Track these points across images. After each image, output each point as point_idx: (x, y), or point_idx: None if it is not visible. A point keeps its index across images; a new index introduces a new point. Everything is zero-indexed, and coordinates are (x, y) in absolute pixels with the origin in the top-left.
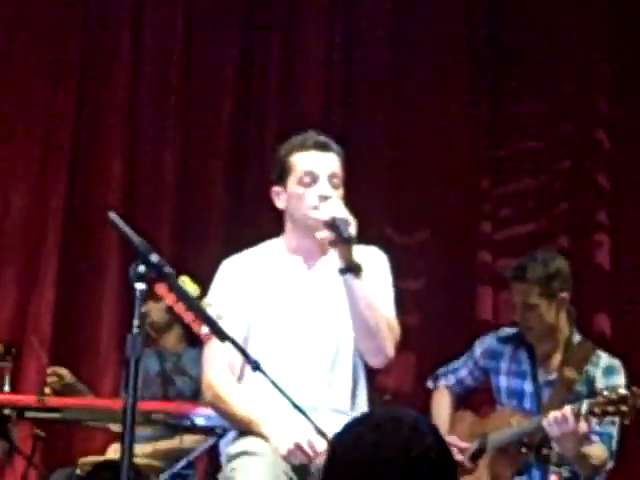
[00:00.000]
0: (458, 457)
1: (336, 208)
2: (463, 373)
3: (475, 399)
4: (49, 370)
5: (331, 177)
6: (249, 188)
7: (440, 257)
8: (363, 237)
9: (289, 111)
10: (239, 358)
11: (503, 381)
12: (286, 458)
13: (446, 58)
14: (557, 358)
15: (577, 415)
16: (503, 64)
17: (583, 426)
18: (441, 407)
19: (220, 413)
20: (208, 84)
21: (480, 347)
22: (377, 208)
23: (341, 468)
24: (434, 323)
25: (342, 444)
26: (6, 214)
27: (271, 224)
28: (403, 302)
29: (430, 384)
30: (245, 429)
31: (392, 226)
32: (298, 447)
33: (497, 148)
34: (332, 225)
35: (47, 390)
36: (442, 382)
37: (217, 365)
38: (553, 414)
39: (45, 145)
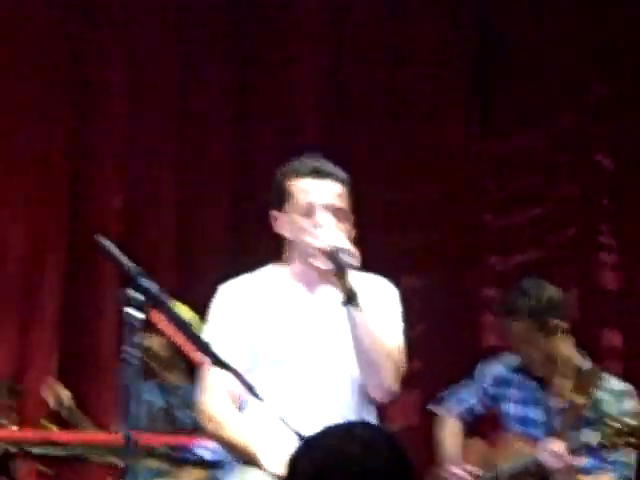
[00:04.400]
0: None
1: (334, 237)
2: (473, 402)
3: (483, 426)
4: (49, 387)
5: (330, 205)
6: (248, 209)
7: (439, 295)
8: None
9: (285, 127)
10: (238, 386)
11: (512, 408)
12: None
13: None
14: (567, 385)
15: (574, 449)
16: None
17: (579, 460)
18: (451, 437)
19: (219, 441)
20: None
21: (489, 375)
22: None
23: None
24: (437, 363)
25: (299, 465)
26: (5, 254)
27: (271, 249)
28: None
29: (434, 408)
30: (241, 457)
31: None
32: None
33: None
34: (330, 254)
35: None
36: (450, 410)
37: (215, 393)
38: (549, 448)
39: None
